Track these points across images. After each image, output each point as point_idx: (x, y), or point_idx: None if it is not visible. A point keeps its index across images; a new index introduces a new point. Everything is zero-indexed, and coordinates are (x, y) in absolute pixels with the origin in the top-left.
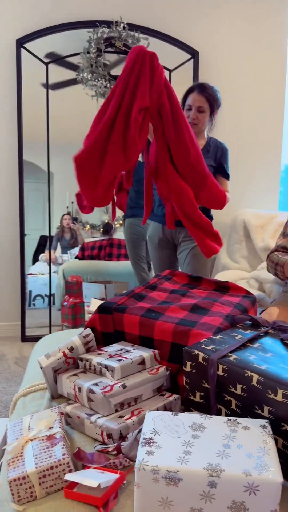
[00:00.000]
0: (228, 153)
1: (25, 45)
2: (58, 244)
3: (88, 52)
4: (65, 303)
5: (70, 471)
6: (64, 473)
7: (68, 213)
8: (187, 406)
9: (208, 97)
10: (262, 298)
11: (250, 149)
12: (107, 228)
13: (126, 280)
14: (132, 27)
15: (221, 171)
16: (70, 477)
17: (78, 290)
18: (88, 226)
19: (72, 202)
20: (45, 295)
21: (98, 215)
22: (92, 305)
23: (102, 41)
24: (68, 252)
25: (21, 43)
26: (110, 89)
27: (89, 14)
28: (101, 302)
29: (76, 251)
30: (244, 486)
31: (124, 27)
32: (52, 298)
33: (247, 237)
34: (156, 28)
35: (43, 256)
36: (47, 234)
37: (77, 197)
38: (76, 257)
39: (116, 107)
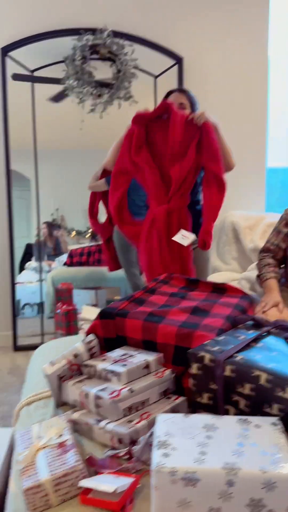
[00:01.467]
0: None
1: (10, 54)
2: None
3: (74, 60)
4: (58, 311)
5: (84, 477)
6: (79, 480)
7: (45, 222)
8: (194, 408)
9: (188, 96)
10: (254, 298)
11: (235, 152)
12: (95, 234)
13: (117, 285)
14: (116, 34)
15: None
16: (85, 483)
17: (69, 297)
18: (74, 232)
19: (57, 209)
20: (34, 304)
21: (84, 221)
22: (84, 312)
23: (87, 49)
24: (56, 259)
25: (6, 51)
26: (95, 96)
27: (74, 22)
28: (93, 308)
29: (64, 258)
30: (261, 483)
31: (108, 35)
32: (40, 306)
33: (237, 239)
34: (140, 34)
35: (30, 264)
36: (32, 242)
37: None
38: (65, 264)
39: None
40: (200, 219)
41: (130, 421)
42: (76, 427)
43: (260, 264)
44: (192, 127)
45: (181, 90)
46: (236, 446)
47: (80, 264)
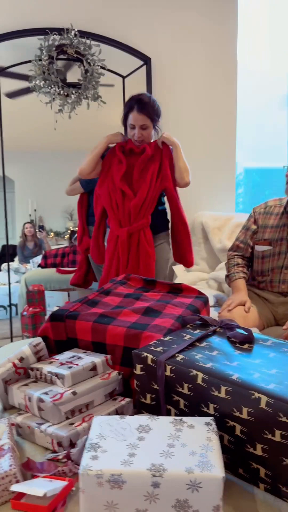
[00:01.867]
0: None
1: None
2: (21, 253)
3: (40, 60)
4: (25, 313)
5: (17, 481)
6: (11, 484)
7: (30, 221)
8: (139, 409)
9: (149, 114)
10: (220, 298)
11: (205, 153)
12: (72, 235)
13: (90, 287)
14: (83, 34)
15: None
16: (16, 487)
17: (40, 299)
18: (52, 233)
19: (35, 210)
20: (8, 306)
21: (63, 222)
22: None
23: (54, 48)
24: (31, 260)
25: None
26: (63, 96)
27: (40, 22)
28: None
29: (38, 259)
30: (186, 484)
31: (75, 34)
32: (15, 308)
33: (206, 239)
34: (107, 35)
35: (10, 265)
36: (14, 243)
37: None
38: (39, 266)
39: None
40: (161, 220)
41: (71, 424)
42: (20, 431)
43: (229, 264)
44: (154, 156)
45: (140, 106)
46: (166, 447)
47: (54, 265)
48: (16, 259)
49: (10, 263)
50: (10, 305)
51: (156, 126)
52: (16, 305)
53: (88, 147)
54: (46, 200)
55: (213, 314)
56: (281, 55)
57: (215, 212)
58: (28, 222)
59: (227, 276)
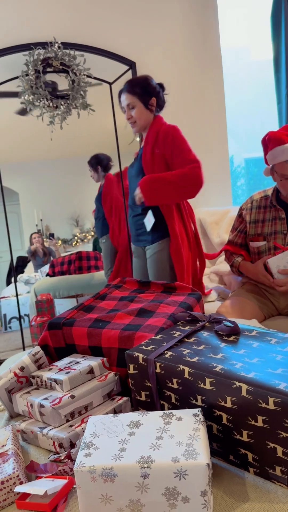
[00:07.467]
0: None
1: None
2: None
3: (27, 75)
4: (33, 323)
5: (21, 483)
6: (15, 486)
7: (37, 232)
8: (136, 406)
9: (134, 92)
10: (222, 291)
11: (197, 150)
12: (79, 241)
13: (98, 291)
14: (67, 45)
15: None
16: (19, 488)
17: (49, 307)
18: (59, 241)
19: (41, 220)
20: (21, 317)
21: (69, 229)
22: None
23: (39, 63)
24: (39, 270)
25: None
26: (53, 108)
27: (23, 38)
28: None
29: (46, 268)
30: (173, 472)
31: (59, 47)
32: (28, 318)
33: (204, 235)
34: (90, 43)
35: (22, 277)
36: (23, 254)
37: None
38: (47, 275)
39: None
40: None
41: (71, 426)
42: (25, 436)
43: (226, 256)
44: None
45: (127, 86)
46: (155, 440)
47: (62, 273)
48: (26, 270)
49: (21, 274)
50: (19, 315)
51: (149, 105)
52: (28, 316)
53: (86, 150)
54: (51, 209)
55: (216, 306)
56: (264, 44)
57: (211, 208)
58: (35, 233)
59: (231, 265)
